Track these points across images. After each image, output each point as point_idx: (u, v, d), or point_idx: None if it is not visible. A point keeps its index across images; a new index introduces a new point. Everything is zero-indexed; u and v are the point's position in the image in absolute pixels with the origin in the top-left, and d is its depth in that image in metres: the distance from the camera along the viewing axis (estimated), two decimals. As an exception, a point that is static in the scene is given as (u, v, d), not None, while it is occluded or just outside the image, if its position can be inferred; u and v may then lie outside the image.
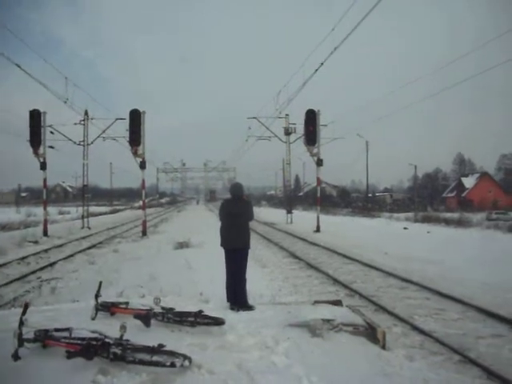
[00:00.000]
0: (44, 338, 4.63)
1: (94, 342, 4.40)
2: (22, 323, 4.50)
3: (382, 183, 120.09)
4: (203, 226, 28.90)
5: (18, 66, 22.61)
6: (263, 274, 13.06)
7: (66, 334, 4.70)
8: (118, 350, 4.33)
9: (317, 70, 23.32)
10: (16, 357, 4.38)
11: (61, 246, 20.96)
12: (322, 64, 22.36)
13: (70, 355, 4.26)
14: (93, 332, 4.67)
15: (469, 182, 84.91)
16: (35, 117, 26.64)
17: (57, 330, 4.79)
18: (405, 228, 29.41)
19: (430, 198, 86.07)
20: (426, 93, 28.57)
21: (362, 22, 16.77)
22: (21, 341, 4.46)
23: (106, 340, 4.43)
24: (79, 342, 4.48)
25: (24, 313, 4.55)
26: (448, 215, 39.49)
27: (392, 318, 8.46)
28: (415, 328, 7.71)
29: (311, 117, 29.09)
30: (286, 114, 35.28)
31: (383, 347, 5.97)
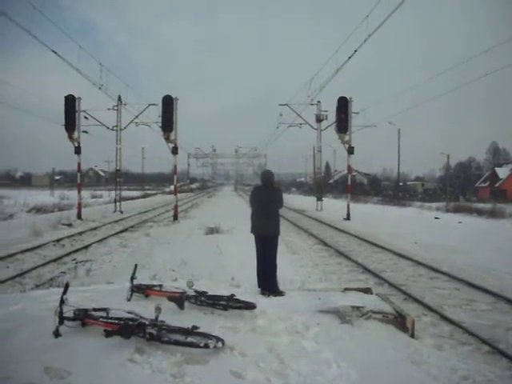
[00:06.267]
0: (83, 317, 4.79)
1: (131, 322, 4.55)
2: (62, 302, 4.66)
3: (414, 172, 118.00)
4: (233, 211, 29.13)
5: (55, 53, 23.04)
6: (293, 260, 13.17)
7: (103, 313, 4.85)
8: (153, 331, 4.47)
9: (350, 57, 23.10)
10: (57, 334, 4.56)
11: (94, 229, 21.46)
12: (356, 51, 22.18)
13: (108, 334, 4.41)
14: (129, 312, 4.80)
15: (503, 172, 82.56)
16: (70, 102, 27.05)
17: (95, 309, 4.95)
18: (436, 218, 28.94)
19: (462, 187, 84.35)
20: (460, 81, 27.79)
21: (396, 10, 16.59)
22: (61, 319, 4.63)
23: (142, 320, 4.58)
24: (116, 321, 4.63)
25: (65, 292, 4.72)
26: (480, 206, 38.72)
27: (421, 307, 8.47)
28: (444, 318, 7.71)
29: (343, 104, 28.82)
30: (318, 101, 34.94)
31: (412, 336, 6.01)
